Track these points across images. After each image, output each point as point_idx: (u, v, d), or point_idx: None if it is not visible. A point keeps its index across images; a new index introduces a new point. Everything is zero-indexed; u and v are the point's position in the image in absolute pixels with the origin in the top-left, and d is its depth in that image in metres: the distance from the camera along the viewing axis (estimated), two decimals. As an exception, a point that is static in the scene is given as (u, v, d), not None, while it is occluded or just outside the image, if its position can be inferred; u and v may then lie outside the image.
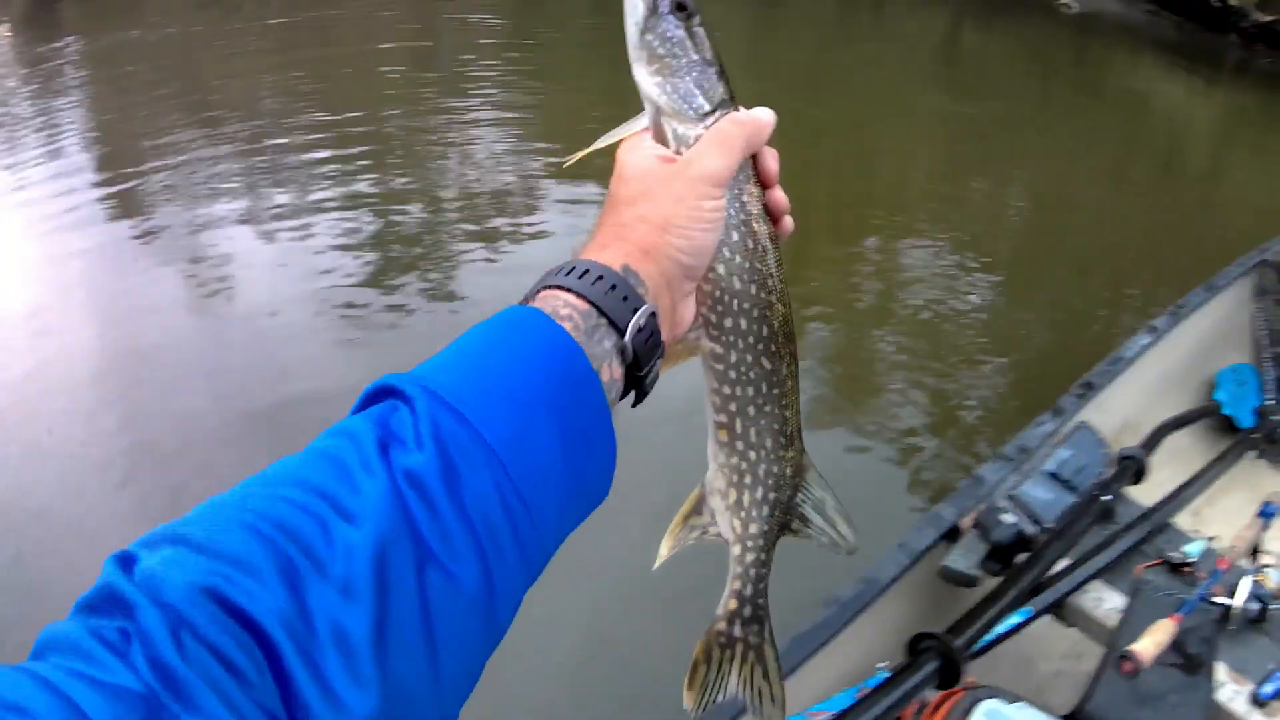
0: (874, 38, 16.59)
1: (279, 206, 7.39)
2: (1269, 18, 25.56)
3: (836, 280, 6.77)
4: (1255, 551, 3.15)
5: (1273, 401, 4.26)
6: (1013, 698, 2.28)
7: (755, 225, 1.11)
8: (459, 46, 12.50)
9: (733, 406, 1.17)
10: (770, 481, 1.19)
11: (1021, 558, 2.93)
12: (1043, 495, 3.12)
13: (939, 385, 5.57)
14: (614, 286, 0.93)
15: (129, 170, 8.24)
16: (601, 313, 0.92)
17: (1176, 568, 3.02)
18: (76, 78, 11.76)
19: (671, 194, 1.01)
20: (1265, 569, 3.02)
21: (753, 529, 1.20)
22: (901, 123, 10.85)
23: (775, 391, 1.17)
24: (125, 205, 7.56)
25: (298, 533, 0.71)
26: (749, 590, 1.21)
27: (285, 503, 0.73)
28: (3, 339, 5.86)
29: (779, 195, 1.13)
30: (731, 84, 1.12)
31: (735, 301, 1.11)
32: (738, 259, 1.10)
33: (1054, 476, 3.22)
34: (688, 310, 1.07)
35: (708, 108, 1.10)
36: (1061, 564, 2.94)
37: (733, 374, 1.15)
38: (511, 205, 7.66)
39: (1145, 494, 3.40)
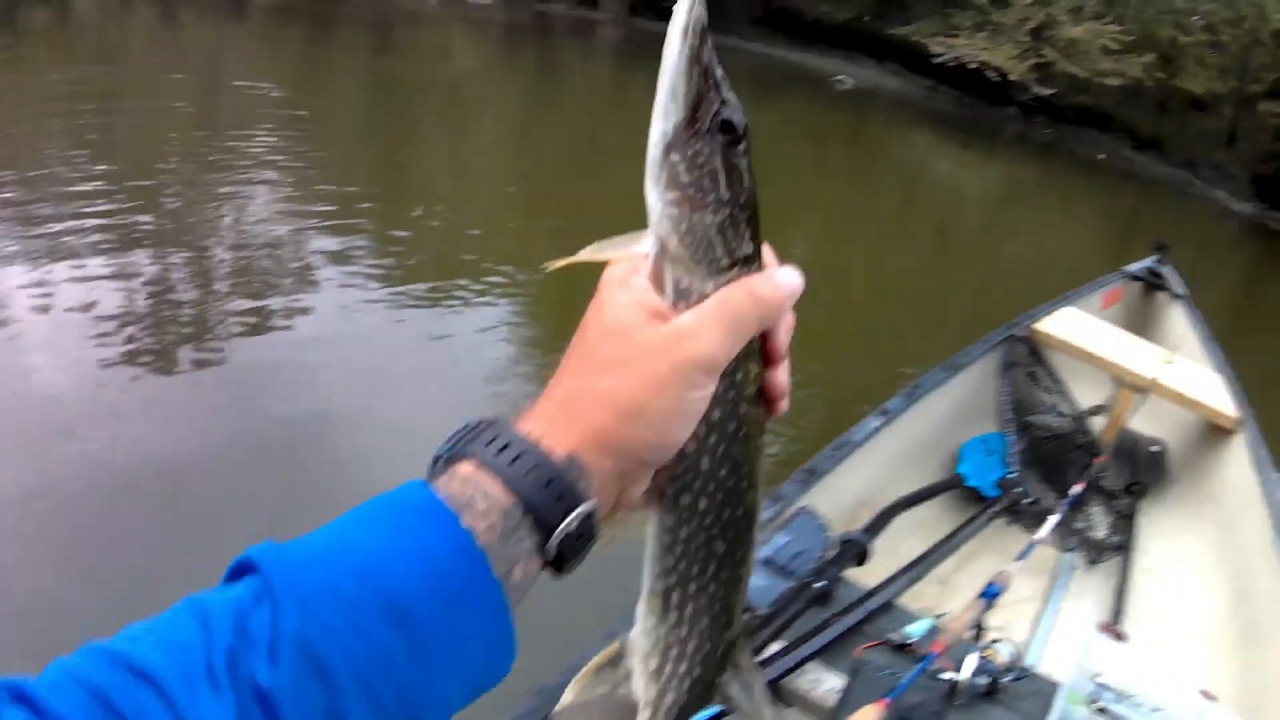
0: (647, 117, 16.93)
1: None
2: (1048, 91, 27.24)
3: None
4: (979, 630, 3.19)
5: (1014, 474, 4.37)
6: None
7: (743, 407, 0.91)
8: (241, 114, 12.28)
9: (673, 579, 1.00)
10: (699, 659, 1.06)
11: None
12: (756, 582, 3.10)
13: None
14: (550, 482, 0.78)
15: None
16: (528, 509, 0.77)
17: (899, 648, 3.03)
18: None
19: (651, 374, 0.81)
20: (993, 644, 3.05)
21: (668, 699, 1.06)
22: None
23: (724, 575, 1.01)
24: None
25: None
26: None
27: (128, 698, 0.63)
28: None
29: (782, 376, 0.92)
30: (760, 231, 0.90)
31: (699, 482, 0.93)
32: (713, 439, 0.91)
33: (769, 563, 3.21)
34: (638, 490, 0.88)
35: (725, 263, 0.88)
36: (775, 647, 2.93)
37: (679, 549, 0.98)
38: (282, 263, 7.48)
39: (878, 573, 3.42)
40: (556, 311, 7.38)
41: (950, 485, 4.28)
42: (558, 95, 17.85)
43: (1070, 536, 4.25)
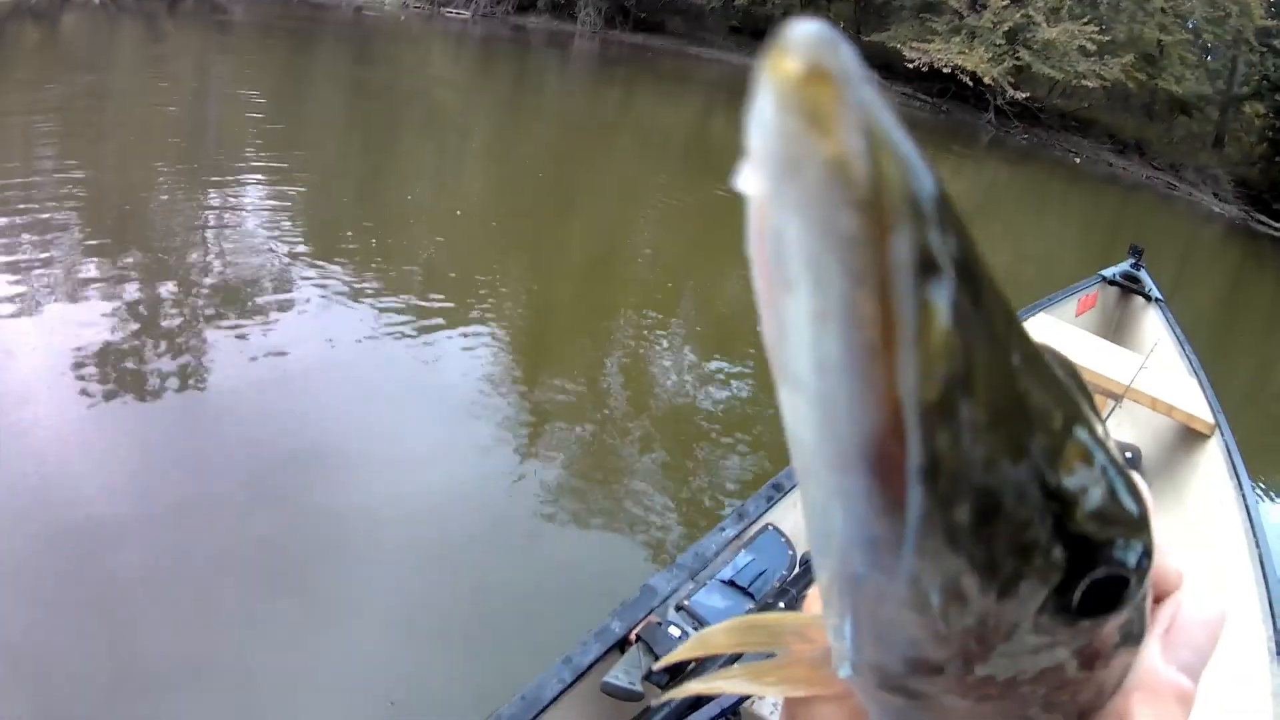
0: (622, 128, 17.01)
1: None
2: (1024, 94, 27.20)
3: (584, 370, 6.79)
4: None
5: None
6: None
7: None
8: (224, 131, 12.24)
9: None
10: None
11: (692, 667, 2.86)
12: (716, 604, 3.04)
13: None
14: None
15: None
16: None
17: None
18: None
19: None
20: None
21: None
22: (646, 213, 11.09)
23: None
24: None
25: None
26: None
27: None
28: None
29: None
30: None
31: None
32: None
33: (730, 584, 3.16)
34: None
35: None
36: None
37: None
38: (261, 285, 7.42)
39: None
40: (528, 330, 7.38)
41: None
42: (532, 108, 17.86)
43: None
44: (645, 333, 7.52)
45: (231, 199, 9.21)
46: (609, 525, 5.11)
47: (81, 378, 5.57)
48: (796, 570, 3.35)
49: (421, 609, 4.30)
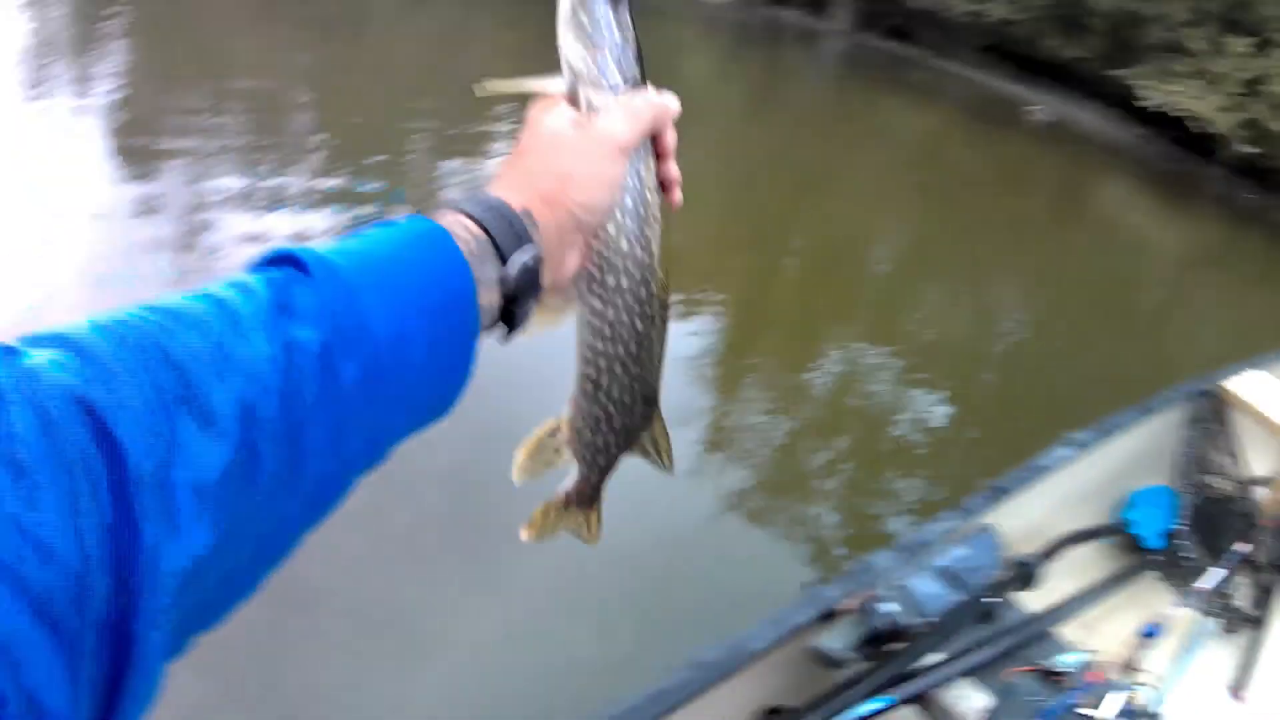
0: (861, 134, 16.73)
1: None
2: (1256, 150, 24.83)
3: (787, 373, 6.84)
4: (1130, 669, 3.21)
5: (1186, 527, 4.34)
6: None
7: (648, 194, 1.19)
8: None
9: (601, 362, 1.26)
10: (623, 431, 1.32)
11: (896, 647, 2.98)
12: (929, 589, 3.17)
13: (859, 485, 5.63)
14: (510, 223, 1.01)
15: (143, 135, 8.33)
16: (494, 242, 0.99)
17: (1048, 675, 3.08)
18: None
19: (578, 151, 1.11)
20: (1138, 686, 3.08)
21: (600, 461, 1.33)
22: (871, 221, 10.96)
23: (643, 354, 1.27)
24: (133, 168, 7.64)
25: (181, 365, 0.73)
26: (589, 490, 1.36)
27: (174, 336, 0.74)
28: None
29: (673, 168, 1.21)
30: (646, 68, 1.20)
31: (620, 261, 1.19)
32: (628, 222, 1.18)
33: (945, 572, 3.28)
34: (572, 262, 1.14)
35: (622, 83, 1.18)
36: (935, 658, 2.99)
37: (607, 330, 1.23)
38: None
39: (1037, 600, 3.47)
40: (741, 320, 7.49)
41: (1116, 529, 4.28)
42: (774, 100, 17.72)
43: (1213, 600, 4.20)
44: (853, 344, 7.56)
45: (474, 149, 9.52)
46: (781, 531, 5.18)
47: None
48: (1007, 573, 3.46)
49: (588, 582, 4.45)
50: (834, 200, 11.51)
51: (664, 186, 1.21)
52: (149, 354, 0.72)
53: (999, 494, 3.78)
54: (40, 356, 0.68)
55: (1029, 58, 26.65)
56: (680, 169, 1.15)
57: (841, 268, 9.48)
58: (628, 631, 4.27)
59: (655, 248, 1.22)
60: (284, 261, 0.86)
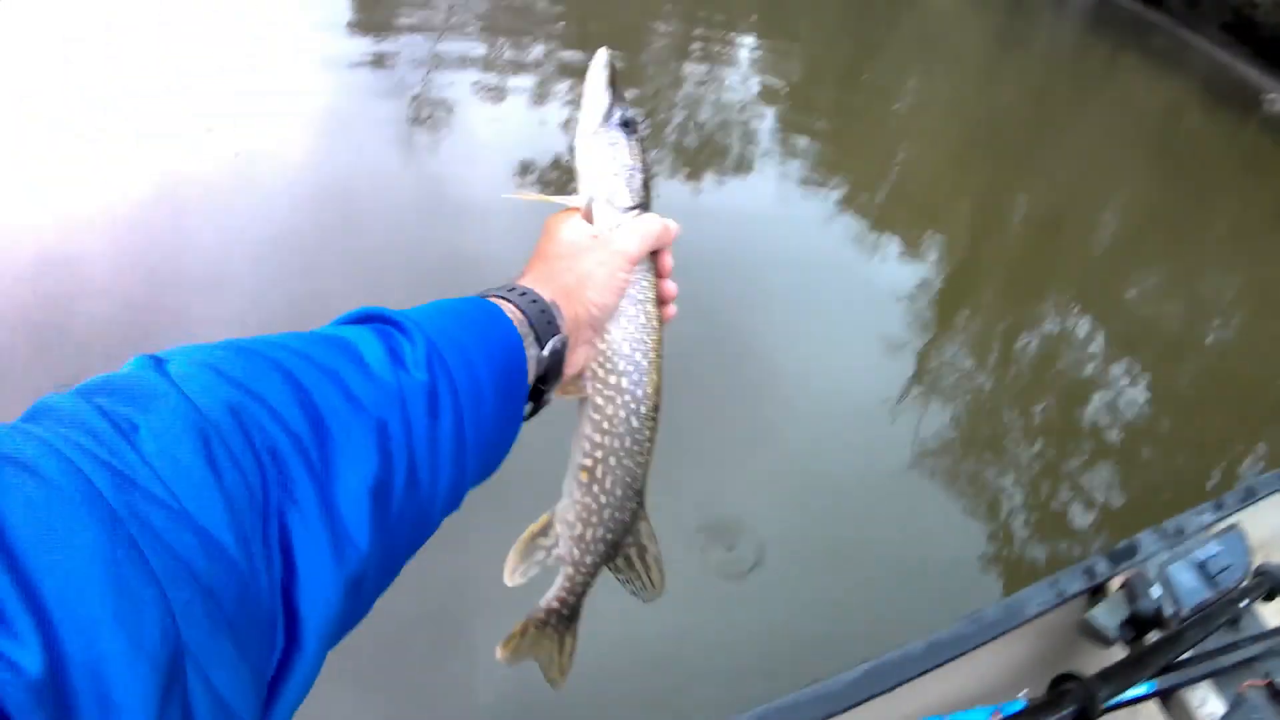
0: (1097, 94, 16.02)
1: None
2: None
3: (995, 326, 6.65)
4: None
5: None
6: None
7: (649, 306, 1.37)
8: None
9: (598, 454, 1.39)
10: (613, 525, 1.43)
11: (1152, 635, 2.86)
12: (1188, 581, 3.03)
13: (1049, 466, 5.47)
14: (543, 311, 1.18)
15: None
16: (532, 327, 1.15)
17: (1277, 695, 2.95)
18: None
19: (594, 259, 1.28)
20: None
21: (588, 560, 1.43)
22: (1101, 192, 10.56)
23: (636, 449, 1.41)
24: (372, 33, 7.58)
25: (319, 392, 0.83)
26: (572, 600, 1.47)
27: (310, 367, 0.84)
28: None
29: (670, 286, 1.40)
30: (650, 193, 1.40)
31: (622, 363, 1.36)
32: (631, 328, 1.35)
33: (1201, 567, 3.14)
34: (581, 356, 1.31)
35: (631, 204, 1.37)
36: (1187, 654, 2.88)
37: (605, 425, 1.38)
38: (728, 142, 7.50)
39: (1276, 613, 3.33)
40: (959, 269, 7.28)
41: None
42: (1014, 50, 17.15)
43: None
44: (1063, 309, 7.31)
45: (721, 64, 9.37)
46: (967, 496, 5.05)
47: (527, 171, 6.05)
48: (1248, 581, 3.31)
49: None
50: (1063, 158, 11.04)
51: (661, 300, 1.39)
52: (295, 383, 0.82)
53: (1250, 495, 3.61)
54: (191, 370, 0.75)
55: (1273, 40, 25.46)
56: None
57: (1062, 229, 9.11)
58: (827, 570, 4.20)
59: (653, 354, 1.38)
60: (375, 320, 1.00)
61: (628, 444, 1.40)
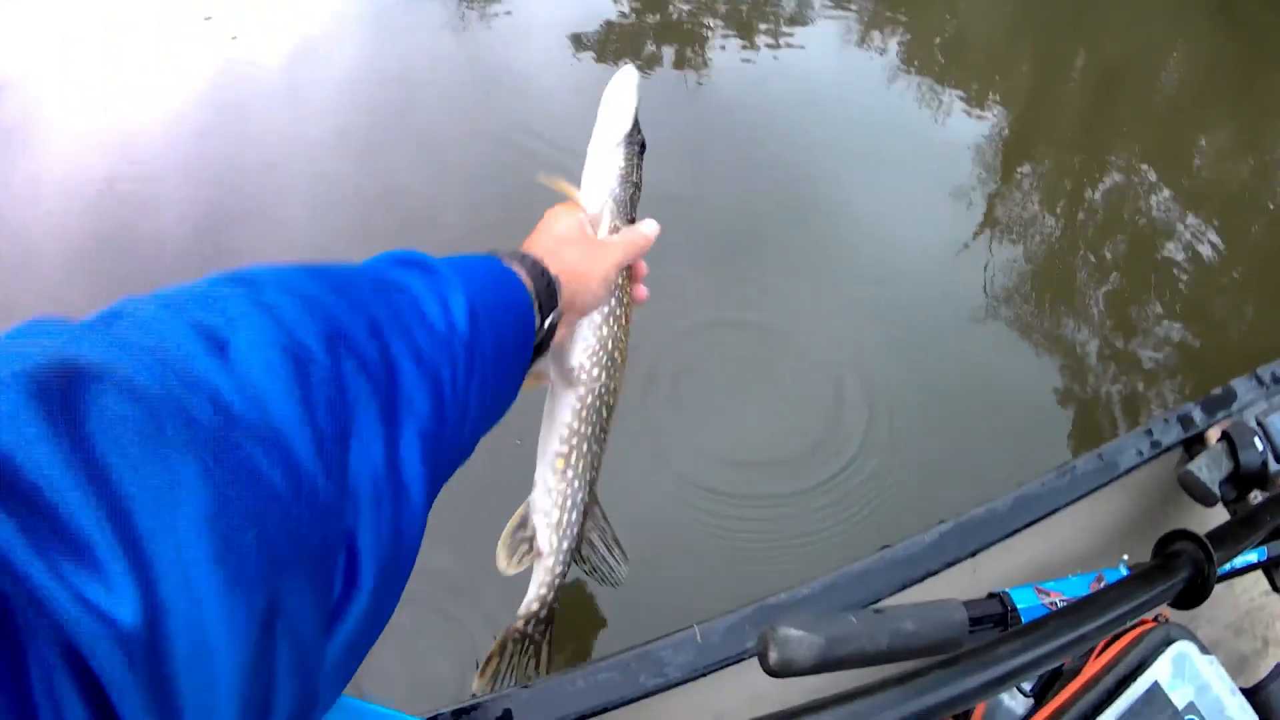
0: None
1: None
2: None
3: (1062, 175, 6.41)
4: None
5: None
6: (1203, 647, 1.97)
7: (626, 307, 1.53)
8: None
9: (574, 440, 1.50)
10: (582, 507, 1.53)
11: (1256, 495, 2.51)
12: (1285, 430, 2.67)
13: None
14: (549, 284, 1.26)
15: None
16: (537, 297, 1.22)
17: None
18: None
19: (593, 257, 1.40)
20: None
21: (564, 545, 1.53)
22: (1162, 36, 10.04)
23: (602, 434, 1.54)
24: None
25: (393, 337, 0.84)
26: (549, 596, 1.55)
27: (385, 309, 0.86)
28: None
29: (643, 289, 1.61)
30: (637, 206, 1.59)
31: (601, 355, 1.49)
32: (610, 322, 1.50)
33: (1302, 420, 2.78)
34: (561, 334, 1.38)
35: (630, 218, 1.57)
36: None
37: (583, 413, 1.49)
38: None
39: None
40: (1026, 112, 6.89)
41: None
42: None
43: None
44: (1131, 162, 6.83)
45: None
46: (1040, 342, 4.86)
47: (582, 44, 5.95)
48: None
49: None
50: (1126, 9, 10.59)
51: (635, 300, 1.55)
52: (377, 326, 0.83)
53: None
54: (286, 307, 0.73)
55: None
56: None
57: (1127, 82, 8.67)
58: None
59: (624, 349, 1.53)
60: (416, 265, 1.00)
61: (595, 431, 1.53)
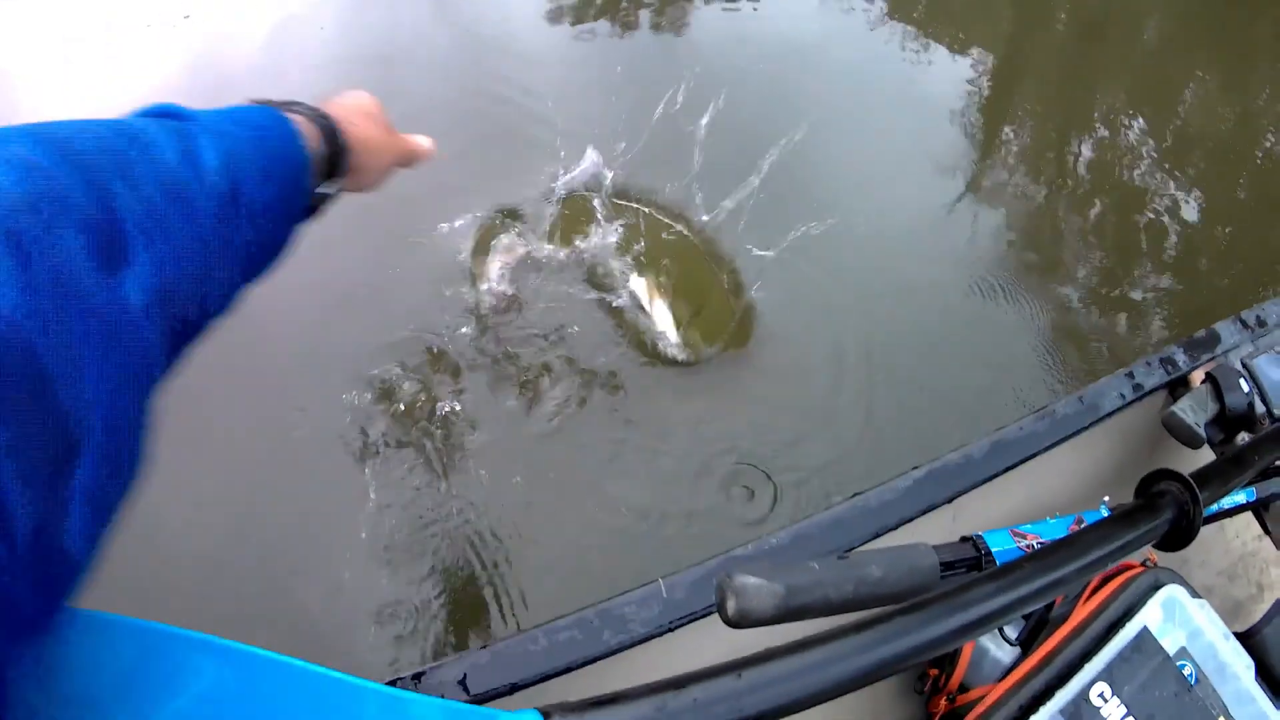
0: None
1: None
2: None
3: (1043, 132, 6.40)
4: None
5: None
6: (1194, 592, 1.93)
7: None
8: None
9: None
10: None
11: (1243, 437, 2.46)
12: (1274, 375, 2.62)
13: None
14: (337, 150, 1.23)
15: None
16: (324, 161, 1.21)
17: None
18: None
19: (384, 142, 1.40)
20: None
21: None
22: None
23: None
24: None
25: (122, 188, 0.80)
26: None
27: (113, 161, 0.82)
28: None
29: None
30: None
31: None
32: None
33: (1287, 363, 2.73)
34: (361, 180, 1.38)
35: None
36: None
37: None
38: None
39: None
40: (1003, 68, 6.83)
41: None
42: None
43: None
44: (1112, 116, 6.76)
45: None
46: (1027, 292, 4.86)
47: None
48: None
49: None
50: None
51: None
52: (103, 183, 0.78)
53: None
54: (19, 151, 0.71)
55: None
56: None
57: (1107, 32, 8.58)
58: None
59: None
60: (172, 116, 0.98)
61: None
